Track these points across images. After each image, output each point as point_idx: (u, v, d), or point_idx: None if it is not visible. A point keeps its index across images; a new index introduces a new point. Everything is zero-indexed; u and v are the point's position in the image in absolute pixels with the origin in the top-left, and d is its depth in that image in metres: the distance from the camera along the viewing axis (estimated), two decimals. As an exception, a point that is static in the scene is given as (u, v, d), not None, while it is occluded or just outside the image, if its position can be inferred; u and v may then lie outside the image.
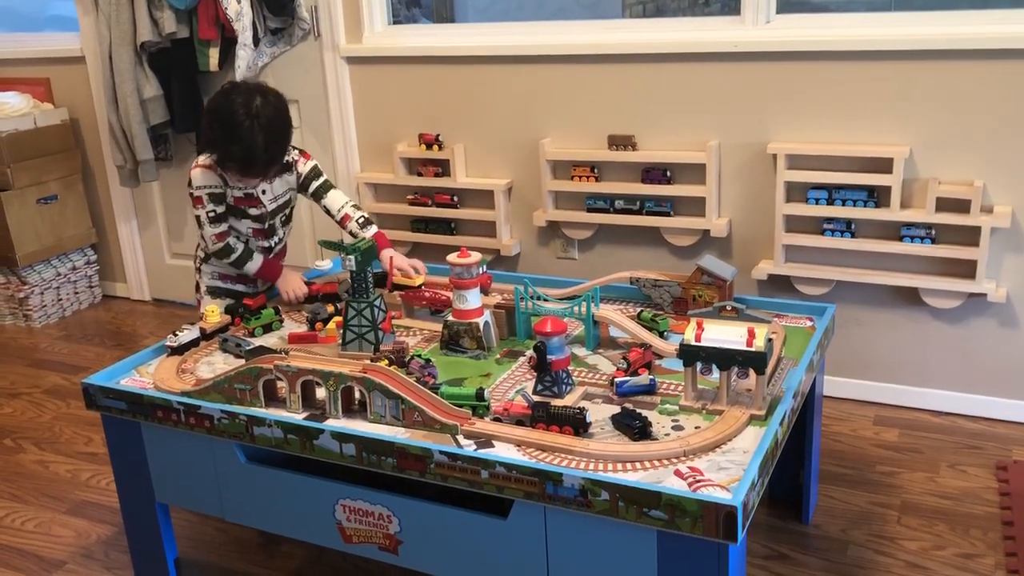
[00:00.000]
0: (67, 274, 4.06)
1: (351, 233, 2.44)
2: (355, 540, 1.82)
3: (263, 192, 2.36)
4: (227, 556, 2.30)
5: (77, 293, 4.13)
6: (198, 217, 2.34)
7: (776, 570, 2.13)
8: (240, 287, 2.49)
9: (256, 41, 3.35)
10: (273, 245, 2.47)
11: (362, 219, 2.46)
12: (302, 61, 3.46)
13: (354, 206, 2.47)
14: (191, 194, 2.33)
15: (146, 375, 2.07)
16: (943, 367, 2.77)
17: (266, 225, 2.41)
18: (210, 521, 2.40)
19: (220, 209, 2.32)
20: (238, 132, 2.17)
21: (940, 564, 2.12)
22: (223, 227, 2.34)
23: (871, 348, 2.84)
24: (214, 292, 2.50)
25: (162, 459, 2.01)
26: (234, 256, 2.35)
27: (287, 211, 2.47)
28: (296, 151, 2.43)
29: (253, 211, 2.37)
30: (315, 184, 2.45)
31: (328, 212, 2.47)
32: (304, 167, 2.44)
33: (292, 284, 2.39)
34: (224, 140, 2.19)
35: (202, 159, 2.33)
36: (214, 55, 3.43)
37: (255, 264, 2.38)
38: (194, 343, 2.17)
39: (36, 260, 3.91)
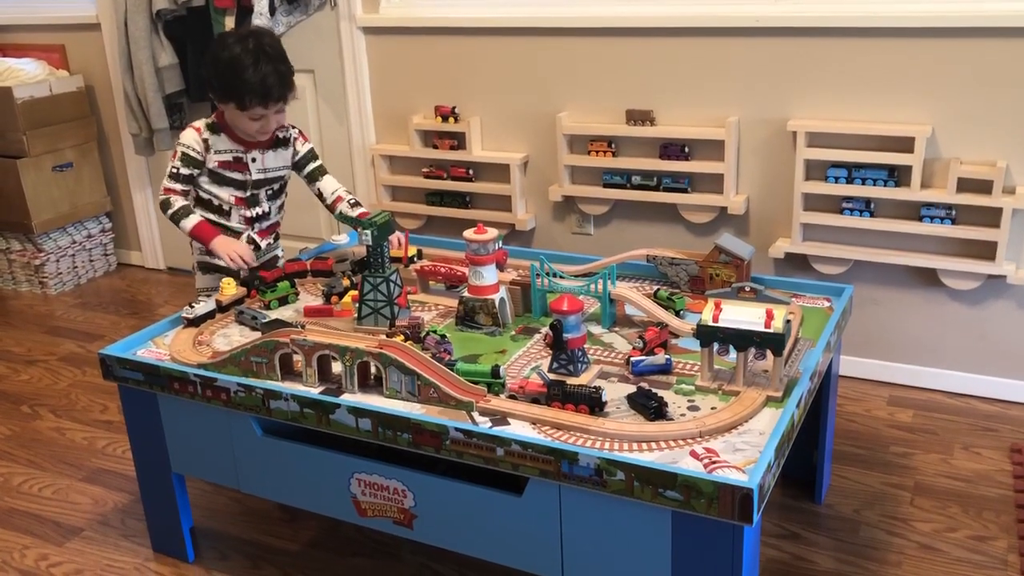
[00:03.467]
0: (82, 242, 4.08)
1: (341, 214, 2.41)
2: (370, 514, 1.83)
3: (253, 160, 2.37)
4: (242, 526, 2.32)
5: (92, 261, 4.15)
6: (168, 170, 2.35)
7: (788, 549, 2.13)
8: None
9: (272, 10, 3.32)
10: (256, 215, 2.44)
11: (353, 200, 2.48)
12: (318, 31, 3.44)
13: (346, 191, 2.50)
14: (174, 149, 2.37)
15: (162, 346, 2.08)
16: (959, 348, 2.76)
17: (248, 194, 2.40)
18: (225, 491, 2.42)
19: (185, 171, 2.33)
20: (245, 64, 2.21)
21: (952, 546, 2.12)
22: (176, 186, 2.33)
23: (887, 328, 2.83)
24: (204, 267, 2.49)
25: (178, 430, 2.02)
26: (170, 212, 2.32)
27: (275, 186, 2.46)
28: (296, 130, 2.47)
29: (237, 175, 2.36)
30: (311, 166, 2.48)
31: (320, 194, 2.49)
32: (302, 147, 2.47)
33: (231, 246, 2.31)
34: (235, 77, 2.22)
35: (196, 122, 2.36)
36: (230, 24, 3.41)
37: (189, 223, 2.31)
38: (210, 315, 2.18)
39: (52, 227, 3.92)
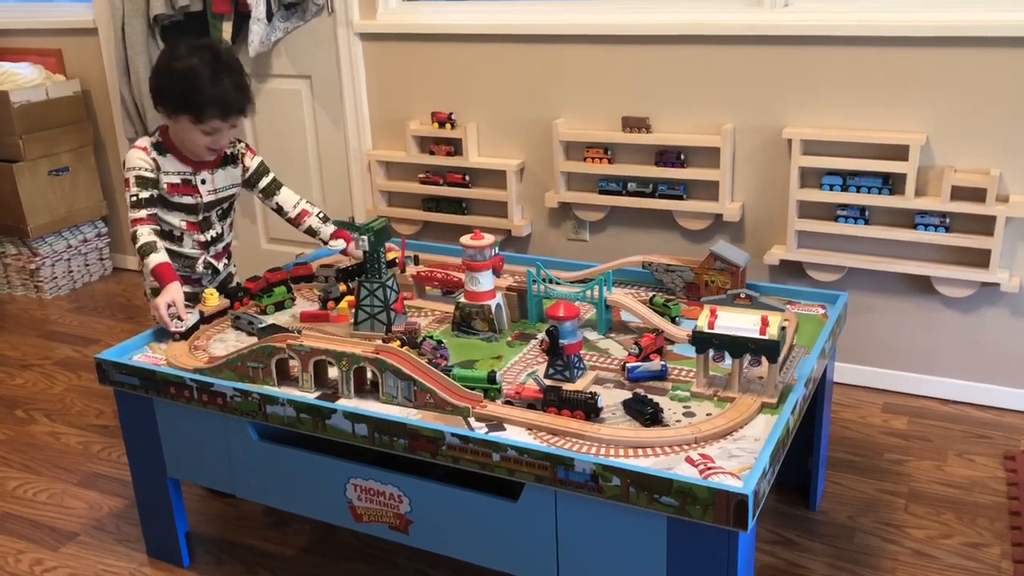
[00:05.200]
0: (78, 246, 4.07)
1: (311, 228, 2.39)
2: (366, 519, 1.83)
3: (202, 182, 2.27)
4: (237, 531, 2.32)
5: (88, 265, 4.15)
6: (127, 200, 2.22)
7: (782, 555, 2.14)
8: (186, 288, 2.26)
9: (269, 16, 3.33)
10: (210, 239, 2.34)
11: (322, 214, 2.41)
12: (315, 37, 3.45)
13: (309, 203, 2.43)
14: (124, 177, 2.23)
15: (159, 351, 2.08)
16: (953, 356, 2.77)
17: (200, 217, 2.30)
18: (220, 496, 2.42)
19: (145, 194, 2.18)
20: (204, 75, 2.12)
21: (946, 552, 2.13)
22: (141, 213, 2.18)
23: (882, 335, 2.84)
24: (158, 292, 2.21)
25: (174, 435, 2.02)
26: (136, 245, 2.16)
27: (225, 205, 2.36)
28: (243, 144, 2.37)
29: (187, 199, 2.26)
30: (265, 181, 2.37)
31: (280, 209, 2.40)
32: (251, 162, 2.36)
33: (158, 300, 2.09)
34: (193, 89, 2.12)
35: (139, 141, 2.24)
36: (227, 29, 3.42)
37: (151, 261, 2.14)
38: (195, 327, 2.13)
39: (47, 232, 3.92)
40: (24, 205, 3.79)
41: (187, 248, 2.32)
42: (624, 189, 3.01)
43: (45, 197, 3.88)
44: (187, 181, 2.26)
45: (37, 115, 3.81)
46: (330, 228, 2.39)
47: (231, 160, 2.33)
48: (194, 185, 2.27)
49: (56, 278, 4.00)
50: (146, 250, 2.16)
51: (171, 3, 3.40)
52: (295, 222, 2.41)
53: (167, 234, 2.29)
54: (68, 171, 3.97)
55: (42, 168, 3.86)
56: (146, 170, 2.20)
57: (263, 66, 3.58)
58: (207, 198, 2.29)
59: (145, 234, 2.17)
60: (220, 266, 2.40)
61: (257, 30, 3.30)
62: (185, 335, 2.11)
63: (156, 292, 2.22)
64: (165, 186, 2.23)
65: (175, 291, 2.10)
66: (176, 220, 2.28)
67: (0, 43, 4.14)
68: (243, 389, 1.84)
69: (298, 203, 2.41)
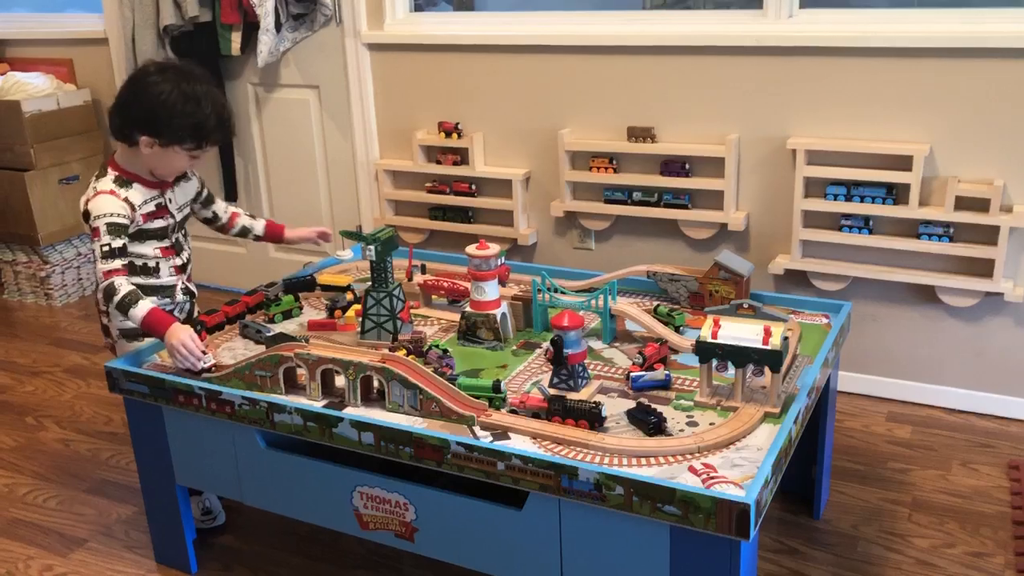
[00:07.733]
0: (88, 254, 4.10)
1: (243, 228, 2.37)
2: (372, 527, 1.85)
3: (170, 201, 2.18)
4: (245, 538, 2.34)
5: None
6: (93, 251, 2.04)
7: (786, 564, 2.15)
8: None
9: (278, 26, 3.36)
10: (185, 262, 2.24)
11: (249, 213, 2.42)
12: (323, 47, 3.48)
13: (234, 206, 2.40)
14: (90, 226, 2.05)
15: (168, 359, 2.10)
16: (957, 365, 2.77)
17: (173, 240, 2.19)
18: (228, 503, 2.44)
19: (118, 243, 2.01)
20: (197, 103, 2.03)
21: (950, 562, 2.14)
22: (116, 264, 2.00)
23: (886, 344, 2.85)
24: (129, 335, 2.20)
25: (183, 443, 2.04)
26: (117, 298, 1.98)
27: (185, 224, 2.27)
28: None
29: (159, 223, 2.14)
30: (206, 190, 2.32)
31: (215, 216, 2.35)
32: (197, 173, 2.29)
33: (181, 337, 1.95)
34: (186, 115, 2.02)
35: (102, 184, 2.07)
36: (236, 39, 3.46)
37: (140, 311, 1.97)
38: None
39: (57, 240, 3.96)
40: (35, 213, 3.83)
41: (164, 277, 2.19)
42: (629, 198, 3.03)
43: (55, 205, 3.91)
44: (159, 204, 2.15)
45: (48, 124, 3.85)
46: (261, 222, 2.40)
47: (183, 175, 2.22)
48: (165, 206, 2.16)
49: (66, 286, 4.03)
50: (133, 298, 1.98)
51: (181, 14, 3.44)
52: (227, 227, 2.38)
53: (142, 268, 2.15)
54: (78, 179, 4.00)
55: (53, 177, 3.90)
56: (120, 215, 2.04)
57: (271, 76, 3.61)
58: (178, 216, 2.21)
59: (126, 285, 2.00)
60: (193, 288, 2.32)
61: (266, 40, 3.33)
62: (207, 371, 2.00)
63: (128, 336, 2.19)
64: (142, 218, 2.11)
65: (183, 328, 1.98)
66: (150, 250, 2.15)
67: (12, 53, 4.19)
68: (251, 397, 1.86)
69: (227, 208, 2.37)
